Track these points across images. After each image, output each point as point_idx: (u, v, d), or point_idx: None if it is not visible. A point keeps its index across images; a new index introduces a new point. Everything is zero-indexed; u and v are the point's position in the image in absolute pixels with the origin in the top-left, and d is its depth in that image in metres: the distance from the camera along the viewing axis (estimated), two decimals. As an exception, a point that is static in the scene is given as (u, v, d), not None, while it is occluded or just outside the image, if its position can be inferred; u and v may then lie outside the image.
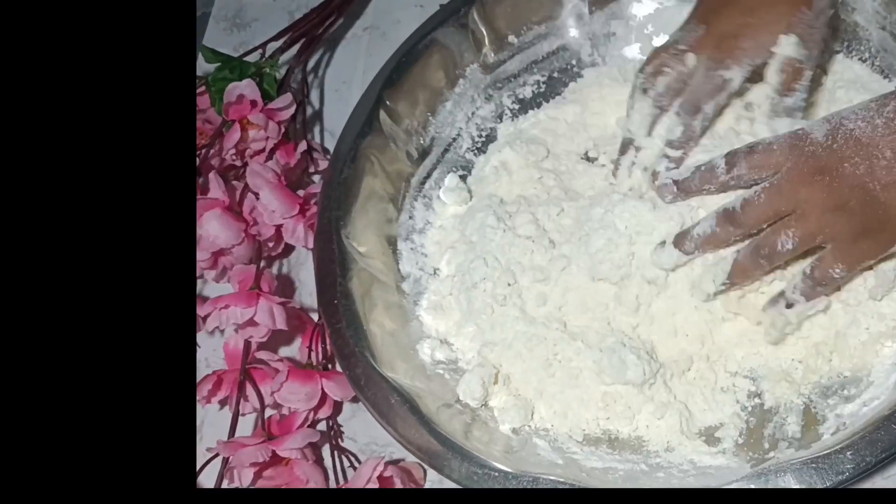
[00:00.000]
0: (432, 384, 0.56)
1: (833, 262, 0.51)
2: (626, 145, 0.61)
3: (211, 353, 0.65)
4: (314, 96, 0.76)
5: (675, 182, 0.56)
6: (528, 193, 0.63)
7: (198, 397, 0.58)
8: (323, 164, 0.70)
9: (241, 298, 0.58)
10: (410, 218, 0.65)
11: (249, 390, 0.58)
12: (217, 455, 0.55)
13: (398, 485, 0.54)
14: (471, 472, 0.50)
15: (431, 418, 0.53)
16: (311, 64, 0.77)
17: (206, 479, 0.56)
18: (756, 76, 0.58)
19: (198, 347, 0.62)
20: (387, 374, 0.54)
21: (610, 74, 0.69)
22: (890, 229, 0.50)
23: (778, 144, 0.52)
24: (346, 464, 0.57)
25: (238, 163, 0.67)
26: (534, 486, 0.49)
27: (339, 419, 0.60)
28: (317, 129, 0.75)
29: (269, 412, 0.58)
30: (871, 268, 0.54)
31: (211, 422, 0.62)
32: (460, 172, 0.68)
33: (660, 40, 0.69)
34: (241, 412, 0.58)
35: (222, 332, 0.60)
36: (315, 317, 0.61)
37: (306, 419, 0.57)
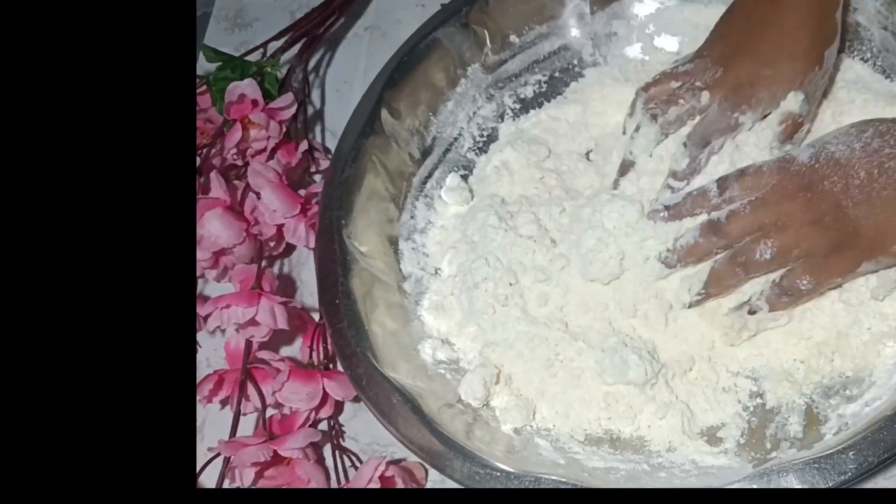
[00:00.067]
0: (434, 384, 0.56)
1: (803, 273, 0.53)
2: (626, 167, 0.62)
3: (212, 353, 0.65)
4: (315, 96, 0.76)
5: (667, 207, 0.57)
6: (530, 193, 0.63)
7: (199, 397, 0.58)
8: (324, 164, 0.70)
9: (243, 298, 0.58)
10: (412, 218, 0.65)
11: (251, 390, 0.58)
12: (218, 455, 0.55)
13: (400, 485, 0.54)
14: (472, 472, 0.50)
15: (433, 418, 0.52)
16: (312, 63, 0.77)
17: (208, 479, 0.56)
18: None
19: (199, 347, 0.62)
20: (388, 373, 0.54)
21: (611, 74, 0.69)
22: (859, 246, 0.52)
23: (767, 167, 0.55)
24: (348, 464, 0.57)
25: (239, 162, 0.67)
26: (536, 486, 0.49)
27: (341, 419, 0.60)
28: (318, 129, 0.75)
29: (270, 412, 0.58)
30: (839, 286, 0.55)
31: (212, 421, 0.62)
32: (462, 172, 0.67)
33: (661, 40, 0.70)
34: (242, 412, 0.58)
35: (223, 331, 0.60)
36: (316, 316, 0.61)
37: (308, 419, 0.57)
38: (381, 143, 0.64)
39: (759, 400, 0.55)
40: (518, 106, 0.70)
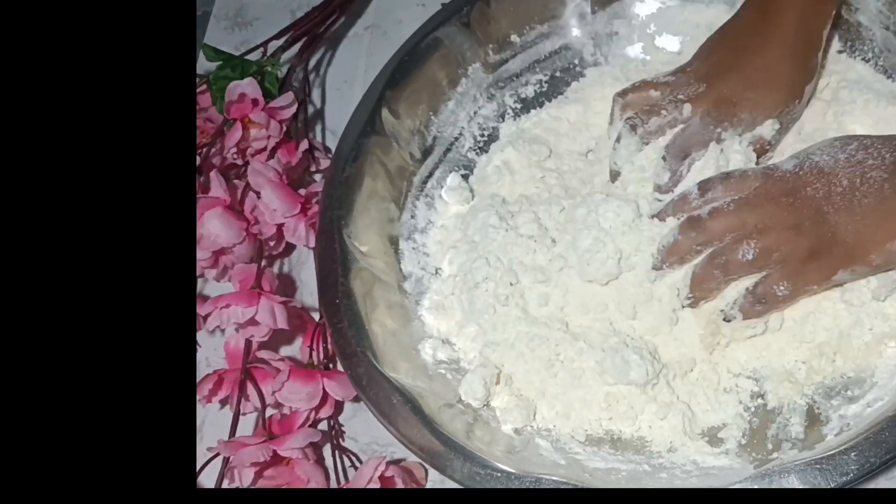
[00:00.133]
0: (434, 384, 0.56)
1: (780, 279, 0.53)
2: (614, 176, 0.62)
3: (212, 353, 0.65)
4: (316, 95, 0.76)
5: (654, 216, 0.57)
6: (531, 193, 0.63)
7: (198, 397, 0.57)
8: (324, 163, 0.70)
9: (242, 298, 0.58)
10: (412, 217, 0.65)
11: (250, 390, 0.58)
12: (218, 455, 0.55)
13: (399, 485, 0.54)
14: (473, 473, 0.50)
15: (433, 418, 0.52)
16: (312, 63, 0.77)
17: (207, 479, 0.56)
18: None
19: (198, 347, 0.62)
20: (388, 373, 0.54)
21: (612, 74, 0.69)
22: (836, 253, 0.52)
23: (752, 171, 0.55)
24: (348, 463, 0.57)
25: (239, 161, 0.67)
26: (536, 487, 0.49)
27: (341, 419, 0.60)
28: (318, 128, 0.75)
29: (269, 412, 0.58)
30: (815, 293, 0.54)
31: (211, 421, 0.62)
32: (462, 172, 0.67)
33: (662, 40, 0.70)
34: (241, 412, 0.58)
35: (223, 331, 0.60)
36: (316, 316, 0.61)
37: (307, 419, 0.57)
38: (381, 142, 0.64)
39: (760, 400, 0.55)
40: (519, 105, 0.70)
